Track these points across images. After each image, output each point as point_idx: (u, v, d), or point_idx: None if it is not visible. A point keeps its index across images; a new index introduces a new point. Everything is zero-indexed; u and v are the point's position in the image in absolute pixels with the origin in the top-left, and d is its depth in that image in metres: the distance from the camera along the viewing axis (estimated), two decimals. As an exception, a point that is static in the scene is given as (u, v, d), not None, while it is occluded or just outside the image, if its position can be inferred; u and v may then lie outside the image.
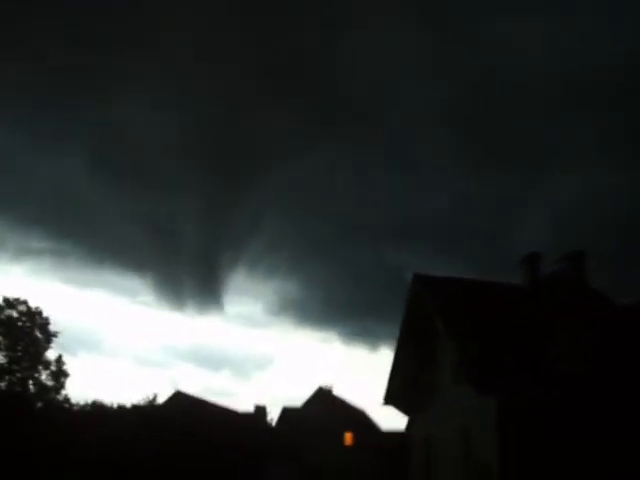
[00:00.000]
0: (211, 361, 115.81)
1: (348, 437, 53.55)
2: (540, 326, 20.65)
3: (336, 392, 63.99)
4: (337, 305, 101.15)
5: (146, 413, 53.75)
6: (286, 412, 61.40)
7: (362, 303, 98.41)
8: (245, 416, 61.02)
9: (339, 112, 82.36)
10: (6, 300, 50.41)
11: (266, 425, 62.46)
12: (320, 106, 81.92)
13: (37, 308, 51.33)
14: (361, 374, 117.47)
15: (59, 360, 51.15)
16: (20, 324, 50.45)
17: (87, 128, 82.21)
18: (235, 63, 76.69)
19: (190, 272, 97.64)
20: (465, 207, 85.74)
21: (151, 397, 57.74)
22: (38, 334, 50.93)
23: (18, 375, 49.49)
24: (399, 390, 26.04)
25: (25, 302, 51.12)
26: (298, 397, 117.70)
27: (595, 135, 69.71)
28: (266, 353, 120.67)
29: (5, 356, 49.56)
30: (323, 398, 61.35)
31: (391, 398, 26.41)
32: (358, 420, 60.18)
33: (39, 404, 50.16)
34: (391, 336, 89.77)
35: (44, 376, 50.50)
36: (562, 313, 20.70)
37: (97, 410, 57.17)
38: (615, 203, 60.37)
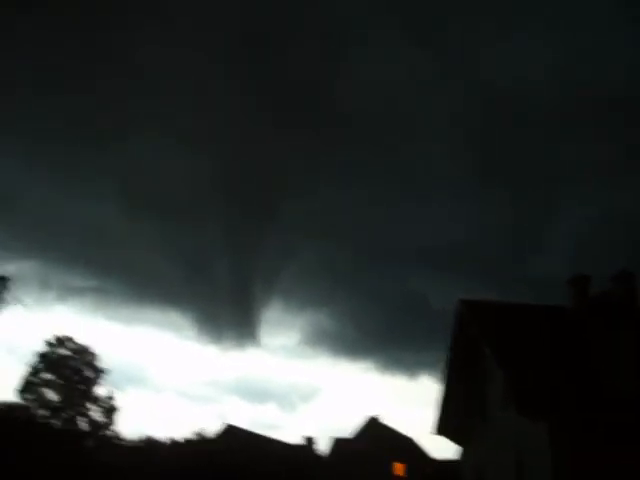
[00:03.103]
0: (256, 394, 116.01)
1: (399, 468, 52.82)
2: (591, 348, 20.19)
3: (384, 422, 63.28)
4: (369, 334, 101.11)
5: (197, 447, 54.01)
6: (337, 443, 60.94)
7: (393, 331, 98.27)
8: (295, 448, 60.79)
9: (355, 145, 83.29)
10: (57, 339, 51.39)
11: (316, 456, 62.09)
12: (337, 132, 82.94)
13: (86, 346, 52.18)
14: (404, 403, 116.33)
15: (109, 396, 51.79)
16: (70, 362, 51.26)
17: (119, 168, 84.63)
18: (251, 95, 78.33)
19: (227, 306, 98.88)
20: (481, 234, 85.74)
21: (201, 431, 58.04)
22: (87, 371, 51.67)
23: (70, 412, 50.18)
24: (449, 419, 25.61)
25: (73, 340, 52.04)
26: (344, 427, 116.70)
27: (612, 155, 69.10)
28: (309, 384, 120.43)
29: (57, 394, 50.36)
30: (373, 428, 60.70)
31: (442, 427, 25.99)
32: (408, 449, 59.32)
33: (91, 441, 50.70)
34: (427, 364, 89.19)
35: (95, 413, 51.12)
36: (614, 334, 20.19)
37: (148, 444, 57.64)
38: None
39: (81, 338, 52.40)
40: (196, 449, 54.31)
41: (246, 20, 72.99)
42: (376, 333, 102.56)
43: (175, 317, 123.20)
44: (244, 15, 72.81)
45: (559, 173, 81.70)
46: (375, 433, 59.32)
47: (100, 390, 51.91)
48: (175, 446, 58.93)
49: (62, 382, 50.38)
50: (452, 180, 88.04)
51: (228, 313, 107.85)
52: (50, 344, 51.29)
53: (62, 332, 54.35)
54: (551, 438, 17.90)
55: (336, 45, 77.49)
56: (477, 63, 78.36)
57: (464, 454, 26.88)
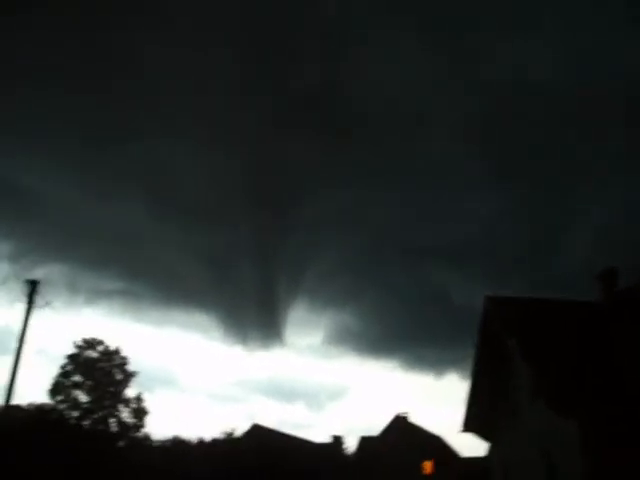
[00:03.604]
0: (283, 394, 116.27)
1: (427, 466, 52.65)
2: (619, 342, 20.01)
3: (412, 420, 63.16)
4: (393, 333, 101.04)
5: (225, 447, 54.32)
6: (364, 441, 60.93)
7: (416, 329, 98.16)
8: (323, 446, 60.88)
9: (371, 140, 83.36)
10: (85, 341, 51.99)
11: (343, 455, 62.14)
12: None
13: (115, 348, 52.71)
14: (431, 401, 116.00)
15: (139, 398, 52.26)
16: (100, 364, 51.81)
17: (146, 171, 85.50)
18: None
19: (252, 307, 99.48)
20: (501, 232, 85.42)
21: (229, 431, 58.35)
22: (117, 373, 52.18)
23: (100, 414, 50.73)
24: (477, 416, 25.56)
25: (102, 342, 52.59)
26: (372, 425, 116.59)
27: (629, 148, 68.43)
28: (336, 383, 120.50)
29: (87, 395, 50.94)
30: (400, 426, 60.60)
31: (469, 425, 25.95)
32: (436, 447, 59.15)
33: (121, 442, 51.23)
34: (451, 361, 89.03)
35: (125, 414, 51.63)
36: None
37: (177, 445, 58.10)
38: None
39: (110, 340, 53.14)
40: (224, 449, 54.66)
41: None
42: (400, 331, 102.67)
43: (202, 318, 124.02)
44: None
45: (576, 171, 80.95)
46: (403, 431, 59.22)
47: (130, 392, 52.49)
48: (204, 446, 59.35)
49: (92, 384, 50.97)
50: (470, 178, 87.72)
51: (253, 314, 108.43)
52: (79, 347, 51.94)
53: (91, 334, 55.16)
54: (581, 433, 17.79)
55: (336, 45, 77.62)
56: (493, 61, 77.96)
57: (492, 451, 26.80)
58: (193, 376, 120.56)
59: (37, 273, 76.29)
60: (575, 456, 17.92)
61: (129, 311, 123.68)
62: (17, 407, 44.55)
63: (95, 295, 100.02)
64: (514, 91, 76.73)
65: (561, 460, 19.07)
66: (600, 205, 77.12)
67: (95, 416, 50.62)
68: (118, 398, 51.73)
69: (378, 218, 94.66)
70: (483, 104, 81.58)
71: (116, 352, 52.54)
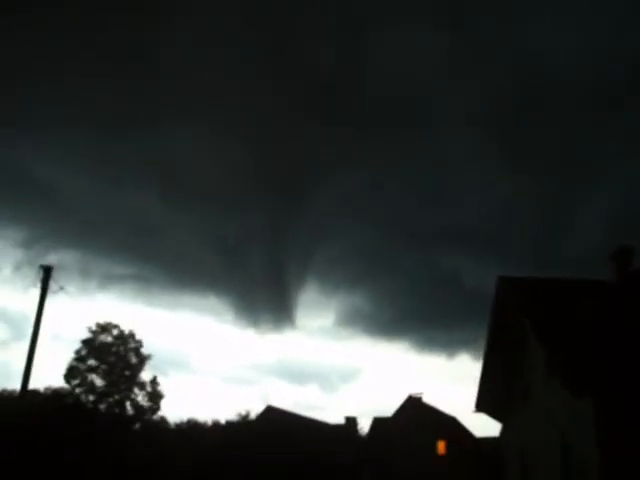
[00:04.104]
0: (296, 375, 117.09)
1: (441, 446, 52.80)
2: (633, 322, 19.91)
3: (425, 400, 63.28)
4: (404, 314, 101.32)
5: (240, 429, 54.67)
6: (377, 422, 61.14)
7: (427, 311, 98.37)
8: (336, 428, 61.14)
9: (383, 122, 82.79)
10: (100, 325, 52.33)
11: (357, 436, 62.40)
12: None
13: (129, 332, 53.02)
14: (444, 382, 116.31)
15: (154, 381, 52.66)
16: (114, 349, 52.16)
17: (156, 157, 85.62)
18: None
19: (263, 290, 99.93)
20: (512, 210, 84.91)
21: (244, 413, 58.70)
22: (132, 357, 52.54)
23: (116, 397, 51.18)
24: (490, 396, 25.58)
25: (117, 326, 52.91)
26: (385, 406, 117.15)
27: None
28: (348, 365, 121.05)
29: (102, 379, 51.38)
30: (413, 407, 60.74)
31: (483, 405, 25.98)
32: (450, 427, 59.29)
33: (137, 425, 51.71)
34: (463, 342, 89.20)
35: (140, 397, 52.06)
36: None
37: (192, 427, 58.58)
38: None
39: (124, 324, 53.46)
40: (239, 431, 55.05)
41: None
42: (411, 313, 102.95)
43: (213, 302, 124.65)
44: None
45: (590, 154, 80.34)
46: (416, 412, 59.34)
47: (145, 375, 52.88)
48: (218, 428, 59.82)
49: (107, 368, 51.39)
50: (484, 161, 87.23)
51: (264, 296, 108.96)
52: (93, 331, 52.29)
53: (105, 319, 55.55)
54: (595, 412, 17.76)
55: (353, 28, 76.99)
56: (509, 44, 77.14)
57: (505, 431, 26.83)
58: (206, 359, 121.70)
59: (50, 259, 76.99)
60: (589, 436, 17.89)
61: (141, 295, 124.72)
62: (34, 392, 45.05)
63: (108, 280, 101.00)
64: (530, 75, 76.04)
65: (576, 440, 19.07)
66: (614, 187, 76.63)
67: (111, 400, 51.09)
68: (133, 381, 52.15)
69: (390, 202, 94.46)
70: (499, 88, 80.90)
71: (130, 336, 52.86)
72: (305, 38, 77.39)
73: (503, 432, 27.13)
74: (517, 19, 77.29)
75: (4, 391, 51.03)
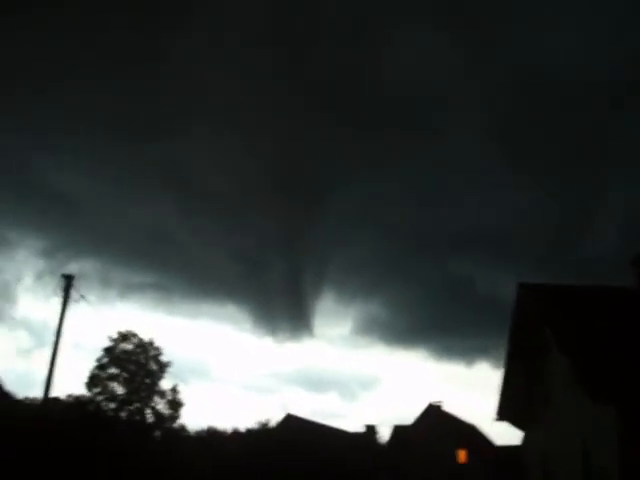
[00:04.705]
0: (315, 384, 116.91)
1: (462, 454, 52.44)
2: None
3: (445, 408, 62.96)
4: (420, 323, 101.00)
5: (260, 437, 54.74)
6: (397, 430, 60.93)
7: (443, 318, 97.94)
8: (355, 436, 61.05)
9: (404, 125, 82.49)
10: (120, 334, 52.61)
11: (377, 444, 62.22)
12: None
13: (149, 340, 53.27)
14: (463, 390, 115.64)
15: (174, 389, 52.82)
16: (135, 357, 52.41)
17: (175, 166, 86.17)
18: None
19: (281, 299, 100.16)
20: (527, 219, 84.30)
21: (264, 421, 58.74)
22: (152, 365, 52.74)
23: (137, 405, 51.39)
24: (511, 404, 25.41)
25: (137, 335, 53.18)
26: (405, 414, 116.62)
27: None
28: (368, 373, 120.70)
29: (123, 387, 51.63)
30: (433, 415, 60.47)
31: (504, 413, 25.81)
32: (470, 435, 58.94)
33: (157, 433, 51.89)
34: (480, 350, 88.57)
35: (161, 405, 52.24)
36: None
37: (212, 435, 58.72)
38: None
39: (144, 333, 53.71)
40: (259, 439, 55.11)
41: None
42: (427, 321, 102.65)
43: (232, 310, 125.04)
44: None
45: (604, 156, 79.65)
46: (436, 420, 59.09)
47: (165, 383, 53.07)
48: (238, 436, 59.92)
49: (127, 376, 51.64)
50: (496, 165, 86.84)
51: (282, 305, 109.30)
52: (114, 339, 52.59)
53: (125, 328, 55.84)
54: (618, 420, 17.59)
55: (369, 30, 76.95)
56: (509, 44, 76.82)
57: (527, 439, 26.65)
58: (225, 367, 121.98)
59: (71, 268, 77.72)
60: (611, 442, 17.72)
61: (161, 304, 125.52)
62: (56, 399, 45.39)
63: (128, 289, 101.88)
64: (530, 76, 75.64)
65: (597, 446, 18.90)
66: (632, 189, 75.93)
67: (131, 407, 51.31)
68: (153, 390, 52.34)
69: (406, 208, 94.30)
70: (508, 89, 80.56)
71: (150, 344, 53.10)
72: (323, 41, 77.58)
73: (525, 440, 26.94)
74: (517, 19, 76.97)
75: (26, 399, 51.46)
